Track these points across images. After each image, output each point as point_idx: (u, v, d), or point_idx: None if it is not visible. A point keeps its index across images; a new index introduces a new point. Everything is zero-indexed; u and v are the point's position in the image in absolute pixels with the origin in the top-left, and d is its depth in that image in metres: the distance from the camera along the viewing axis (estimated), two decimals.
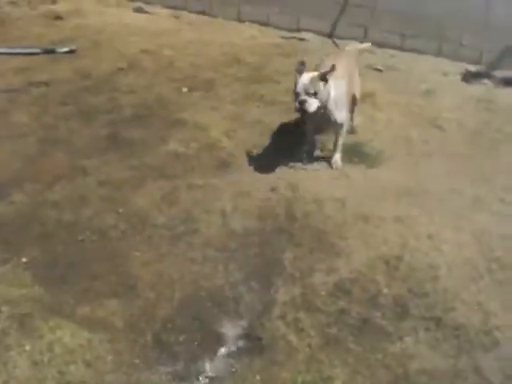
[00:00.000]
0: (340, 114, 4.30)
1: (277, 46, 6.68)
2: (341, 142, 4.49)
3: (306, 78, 4.05)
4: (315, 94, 4.02)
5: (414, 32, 6.38)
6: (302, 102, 4.01)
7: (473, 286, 3.39)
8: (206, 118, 5.06)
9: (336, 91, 4.19)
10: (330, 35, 6.77)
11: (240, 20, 7.32)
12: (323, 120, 4.29)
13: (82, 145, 4.75)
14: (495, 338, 3.08)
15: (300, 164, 4.48)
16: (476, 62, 6.12)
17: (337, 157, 4.49)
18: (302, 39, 6.85)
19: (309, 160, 4.53)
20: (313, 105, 4.03)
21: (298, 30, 6.97)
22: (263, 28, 7.14)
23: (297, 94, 4.05)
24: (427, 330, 3.12)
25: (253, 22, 7.25)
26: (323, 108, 4.13)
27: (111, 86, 5.74)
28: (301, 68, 4.11)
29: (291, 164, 4.46)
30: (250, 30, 7.10)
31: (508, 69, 5.99)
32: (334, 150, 4.50)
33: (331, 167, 4.47)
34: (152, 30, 7.16)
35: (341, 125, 4.39)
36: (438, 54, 6.29)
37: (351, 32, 6.55)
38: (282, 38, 6.89)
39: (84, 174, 4.37)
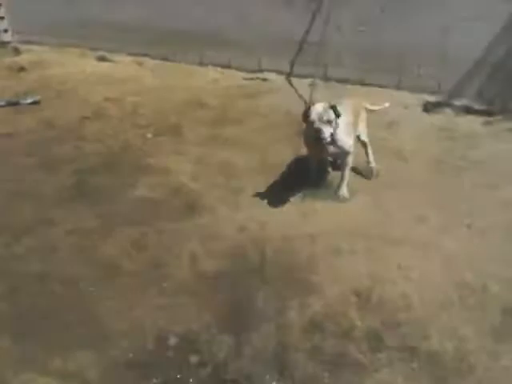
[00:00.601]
0: (347, 142, 4.40)
1: (240, 87, 6.76)
2: (347, 172, 4.58)
3: (319, 107, 4.19)
4: (329, 122, 4.15)
5: (373, 67, 6.50)
6: (318, 130, 4.13)
7: (445, 312, 3.42)
8: (172, 163, 5.08)
9: (344, 120, 4.30)
10: (289, 74, 6.85)
11: (202, 64, 7.40)
12: (331, 147, 4.34)
13: (48, 195, 4.72)
14: (470, 363, 3.10)
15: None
16: (435, 93, 6.24)
17: (344, 189, 4.57)
18: (264, 79, 6.94)
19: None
20: (327, 132, 4.14)
21: (261, 71, 7.06)
22: (226, 71, 7.22)
23: (312, 123, 4.17)
24: (402, 360, 3.13)
25: (215, 65, 7.34)
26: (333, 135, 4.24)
27: (76, 135, 5.75)
28: (310, 107, 4.25)
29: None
30: (212, 74, 7.18)
31: (467, 97, 6.13)
32: (341, 180, 4.59)
33: (338, 198, 4.54)
34: (115, 78, 7.21)
35: (347, 152, 4.45)
36: (398, 86, 6.40)
37: (311, 70, 6.64)
38: (245, 79, 6.98)
39: (51, 225, 4.33)
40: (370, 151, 4.91)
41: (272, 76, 6.94)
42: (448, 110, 6.07)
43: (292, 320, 3.38)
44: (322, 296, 3.55)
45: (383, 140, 5.33)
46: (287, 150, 5.10)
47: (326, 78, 6.65)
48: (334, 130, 4.21)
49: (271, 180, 4.71)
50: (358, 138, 4.73)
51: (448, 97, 6.22)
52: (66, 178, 4.95)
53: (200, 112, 6.13)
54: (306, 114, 4.23)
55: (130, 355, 3.22)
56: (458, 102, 6.14)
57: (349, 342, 3.22)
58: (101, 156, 5.31)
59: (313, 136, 4.21)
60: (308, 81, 6.59)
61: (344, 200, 4.54)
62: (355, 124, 4.59)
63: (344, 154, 4.47)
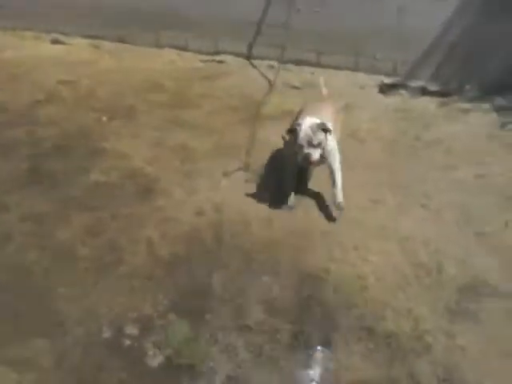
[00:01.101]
0: (334, 148, 4.16)
1: (197, 69, 6.69)
2: (339, 176, 4.14)
3: (307, 130, 3.94)
4: (319, 145, 3.96)
5: (330, 49, 6.49)
6: (307, 156, 3.94)
7: (401, 293, 3.45)
8: (128, 146, 5.01)
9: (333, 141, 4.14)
10: (248, 56, 6.81)
11: (159, 46, 7.29)
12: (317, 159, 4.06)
13: (1, 180, 4.60)
14: (426, 342, 3.14)
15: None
16: (391, 74, 6.27)
17: (340, 196, 4.08)
18: (221, 62, 6.87)
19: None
20: (316, 155, 3.95)
21: (217, 53, 6.99)
22: (183, 53, 7.13)
23: (300, 147, 3.95)
24: (359, 340, 3.15)
25: (172, 47, 7.23)
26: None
27: (30, 118, 5.61)
28: (297, 129, 3.99)
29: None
30: (169, 56, 7.07)
31: (423, 78, 6.17)
32: (335, 187, 4.11)
33: (336, 209, 4.10)
34: (70, 61, 7.05)
35: (335, 158, 4.16)
36: (355, 68, 6.40)
37: (268, 52, 6.61)
38: (202, 61, 6.91)
39: (5, 211, 4.23)
40: (338, 180, 4.17)
41: (229, 58, 6.87)
42: (404, 92, 6.10)
43: (249, 303, 3.38)
44: (279, 278, 3.56)
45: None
46: (244, 133, 5.07)
47: (284, 60, 6.62)
48: (323, 148, 4.02)
49: (228, 163, 4.67)
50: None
51: (404, 78, 6.25)
52: (20, 163, 4.83)
53: (156, 95, 6.04)
54: (293, 135, 4.01)
55: (86, 342, 3.18)
56: (413, 84, 6.17)
57: (305, 324, 3.24)
58: (55, 140, 5.19)
59: (299, 158, 3.98)
60: (266, 63, 6.57)
61: (342, 210, 4.08)
62: (336, 130, 4.28)
63: (333, 161, 4.17)
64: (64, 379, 2.99)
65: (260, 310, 3.33)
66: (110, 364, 3.06)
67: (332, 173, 4.15)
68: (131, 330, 3.26)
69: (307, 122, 3.99)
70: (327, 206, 4.22)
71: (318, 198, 4.33)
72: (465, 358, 3.04)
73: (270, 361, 3.05)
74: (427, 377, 2.95)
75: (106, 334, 3.24)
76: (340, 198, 4.07)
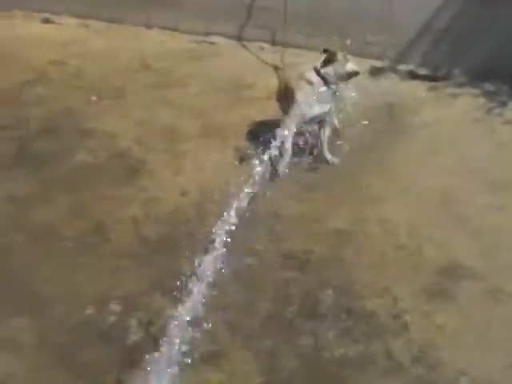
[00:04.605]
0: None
1: (186, 50, 6.66)
2: (327, 134, 4.52)
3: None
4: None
5: (319, 32, 6.48)
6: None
7: (380, 273, 3.50)
8: (115, 126, 5.02)
9: None
10: (239, 38, 6.81)
11: (149, 26, 7.25)
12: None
13: None
14: (404, 321, 3.20)
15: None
16: (381, 58, 6.28)
17: (327, 153, 4.50)
18: (212, 43, 6.85)
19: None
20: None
21: (208, 34, 6.98)
22: (173, 33, 7.10)
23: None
24: (337, 319, 3.20)
25: (162, 28, 7.20)
26: None
27: (18, 99, 5.60)
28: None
29: None
30: (159, 36, 7.04)
31: (412, 63, 6.19)
32: (321, 145, 4.51)
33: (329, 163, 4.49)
34: (59, 41, 7.01)
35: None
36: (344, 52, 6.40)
37: (258, 34, 6.61)
38: (192, 42, 6.88)
39: None
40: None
41: (219, 40, 6.86)
42: (393, 76, 6.11)
43: (229, 282, 3.42)
44: (261, 258, 3.61)
45: None
46: (231, 114, 5.08)
47: (274, 42, 6.63)
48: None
49: (215, 144, 4.70)
50: None
51: (393, 62, 6.26)
52: (6, 143, 4.85)
53: (145, 75, 6.02)
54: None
55: (68, 320, 3.23)
56: (403, 68, 6.18)
57: (285, 303, 3.29)
58: (43, 120, 5.20)
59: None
60: (256, 44, 6.58)
61: (335, 163, 4.49)
62: None
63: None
64: (45, 357, 3.04)
65: (241, 290, 3.38)
66: (92, 341, 3.11)
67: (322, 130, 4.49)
68: (115, 307, 3.30)
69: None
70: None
71: None
72: (440, 337, 3.09)
73: (247, 338, 3.11)
74: (403, 355, 3.01)
75: (89, 311, 3.28)
76: (328, 155, 4.49)
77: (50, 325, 3.20)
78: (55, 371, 2.97)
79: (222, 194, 4.13)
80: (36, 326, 3.20)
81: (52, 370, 2.98)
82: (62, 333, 3.16)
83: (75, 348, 3.08)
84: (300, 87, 4.30)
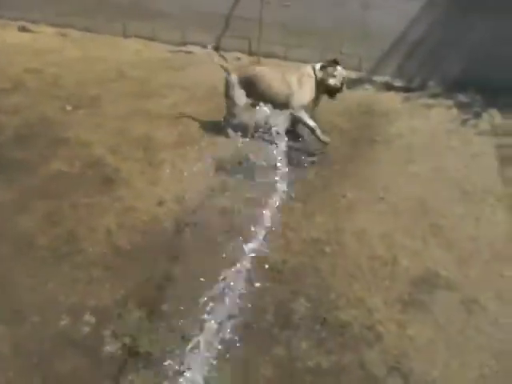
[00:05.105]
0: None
1: (163, 60, 6.68)
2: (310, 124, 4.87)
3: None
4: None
5: (297, 43, 6.54)
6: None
7: (355, 284, 3.51)
8: (91, 136, 4.99)
9: None
10: (216, 48, 6.83)
11: (125, 35, 7.26)
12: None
13: None
14: (378, 332, 3.21)
15: None
16: (357, 69, 6.34)
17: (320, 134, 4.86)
18: (188, 52, 6.87)
19: None
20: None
21: (185, 44, 6.99)
22: (149, 43, 7.11)
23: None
24: (311, 330, 3.20)
25: (138, 37, 7.21)
26: None
27: None
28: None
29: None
30: (135, 45, 7.06)
31: (388, 74, 6.25)
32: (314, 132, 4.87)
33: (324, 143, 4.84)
34: (36, 49, 6.99)
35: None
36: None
37: (235, 44, 6.65)
38: (169, 51, 6.90)
39: None
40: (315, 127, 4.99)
41: (196, 49, 6.88)
42: (369, 87, 6.18)
43: (206, 292, 3.40)
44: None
45: None
46: (208, 124, 5.09)
47: (251, 53, 6.67)
48: None
49: (190, 154, 4.69)
50: None
51: (369, 73, 6.33)
52: None
53: (121, 84, 6.02)
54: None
55: (43, 329, 3.19)
56: (378, 79, 6.26)
57: (260, 313, 3.29)
58: (17, 129, 5.15)
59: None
60: (234, 54, 6.61)
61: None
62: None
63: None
64: (21, 366, 3.00)
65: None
66: (67, 351, 3.07)
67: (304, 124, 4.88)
68: (89, 318, 3.27)
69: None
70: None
71: None
72: (414, 347, 3.11)
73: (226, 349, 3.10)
74: (377, 365, 3.02)
75: (64, 321, 3.25)
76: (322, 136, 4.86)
77: (26, 334, 3.16)
78: (31, 380, 2.94)
79: (198, 203, 4.15)
80: (12, 334, 3.15)
81: (27, 379, 2.95)
82: (38, 343, 3.12)
83: (50, 358, 3.04)
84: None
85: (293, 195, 4.23)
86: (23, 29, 7.71)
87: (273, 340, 3.14)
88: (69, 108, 5.55)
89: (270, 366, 3.02)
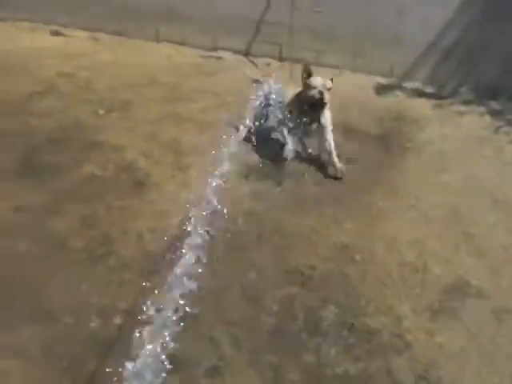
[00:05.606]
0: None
1: (194, 65, 6.70)
2: (332, 143, 4.75)
3: (319, 79, 4.70)
4: (329, 90, 4.67)
5: (328, 48, 6.53)
6: (322, 93, 4.62)
7: (385, 291, 3.50)
8: (123, 139, 5.03)
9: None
10: (246, 53, 6.85)
11: (157, 40, 7.32)
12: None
13: None
14: (407, 340, 3.20)
15: None
16: (388, 75, 6.32)
17: (336, 160, 4.67)
18: (219, 58, 6.90)
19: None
20: (327, 97, 4.65)
21: (215, 49, 7.02)
22: (180, 48, 7.15)
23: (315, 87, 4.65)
24: (339, 336, 3.20)
25: (170, 41, 7.25)
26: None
27: (25, 110, 5.61)
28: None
29: None
30: (167, 50, 7.09)
31: (419, 80, 6.22)
32: (330, 156, 4.70)
33: (336, 177, 4.63)
34: (68, 53, 7.05)
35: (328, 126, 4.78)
36: (352, 68, 6.44)
37: (266, 50, 6.67)
38: (200, 57, 6.93)
39: None
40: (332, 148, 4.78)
41: (227, 55, 6.91)
42: (399, 93, 6.15)
43: (232, 295, 3.44)
44: (263, 273, 3.61)
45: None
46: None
47: (282, 58, 6.68)
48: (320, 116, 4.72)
49: (218, 158, 4.71)
50: None
51: (400, 79, 6.30)
52: (14, 154, 4.84)
53: (152, 89, 6.06)
54: (307, 77, 4.72)
55: (75, 331, 3.22)
56: (409, 85, 6.23)
57: (289, 319, 3.30)
58: (50, 132, 5.19)
59: (310, 99, 4.66)
60: (264, 60, 6.62)
61: (343, 175, 4.62)
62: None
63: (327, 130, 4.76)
64: (51, 367, 3.03)
65: (240, 303, 3.38)
66: (97, 354, 3.10)
67: (324, 142, 4.75)
68: (119, 320, 3.30)
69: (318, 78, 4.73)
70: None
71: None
72: (443, 356, 3.10)
73: (252, 353, 3.11)
74: (405, 374, 3.02)
75: (95, 323, 3.28)
76: (338, 163, 4.64)
77: (58, 336, 3.20)
78: (60, 382, 2.98)
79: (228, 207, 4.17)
80: (44, 336, 3.19)
81: (57, 381, 2.98)
82: (69, 344, 3.16)
83: (81, 359, 3.08)
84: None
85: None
86: (56, 33, 7.80)
87: (302, 346, 3.15)
88: (101, 112, 5.61)
89: (298, 371, 3.03)
